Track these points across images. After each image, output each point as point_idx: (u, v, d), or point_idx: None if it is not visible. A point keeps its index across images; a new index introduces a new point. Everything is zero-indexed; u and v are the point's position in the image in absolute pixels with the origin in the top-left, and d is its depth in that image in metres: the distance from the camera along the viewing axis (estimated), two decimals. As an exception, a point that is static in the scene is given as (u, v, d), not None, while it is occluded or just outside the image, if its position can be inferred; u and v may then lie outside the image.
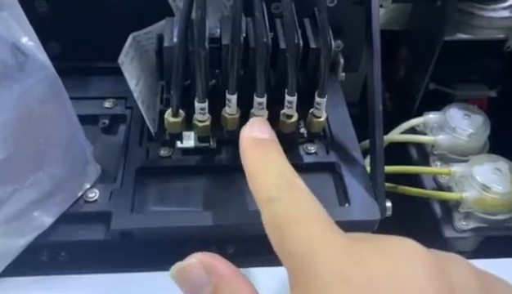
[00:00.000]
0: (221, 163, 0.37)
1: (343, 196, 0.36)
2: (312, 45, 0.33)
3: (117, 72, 0.38)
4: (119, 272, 0.34)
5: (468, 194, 0.42)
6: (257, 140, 0.24)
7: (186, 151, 0.37)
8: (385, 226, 0.36)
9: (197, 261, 0.21)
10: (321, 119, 0.35)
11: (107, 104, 0.41)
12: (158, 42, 0.36)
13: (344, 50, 0.44)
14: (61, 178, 0.32)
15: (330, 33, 0.32)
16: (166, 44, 0.33)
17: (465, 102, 0.50)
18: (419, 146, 0.50)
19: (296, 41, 0.32)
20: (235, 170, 0.38)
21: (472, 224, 0.43)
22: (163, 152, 0.37)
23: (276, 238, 0.20)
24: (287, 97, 0.33)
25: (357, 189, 0.36)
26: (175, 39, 0.32)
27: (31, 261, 0.33)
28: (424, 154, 0.49)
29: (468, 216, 0.43)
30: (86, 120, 0.38)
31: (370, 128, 0.36)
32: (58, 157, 0.31)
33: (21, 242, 0.31)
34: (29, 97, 0.28)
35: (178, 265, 0.21)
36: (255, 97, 0.33)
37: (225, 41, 0.32)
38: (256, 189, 0.22)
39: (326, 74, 0.32)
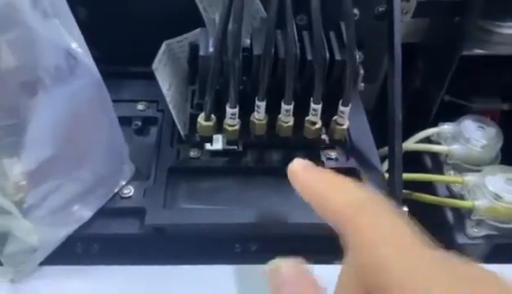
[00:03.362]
0: (247, 165, 0.40)
1: (362, 200, 0.38)
2: (337, 57, 0.35)
3: (148, 76, 0.41)
4: (148, 265, 0.36)
5: (480, 203, 0.44)
6: (307, 164, 0.25)
7: (214, 153, 0.40)
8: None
9: (289, 266, 0.23)
10: (344, 127, 0.37)
11: (140, 106, 0.43)
12: (191, 50, 0.38)
13: (364, 61, 0.46)
14: (101, 175, 0.34)
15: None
16: (202, 53, 0.35)
17: (478, 114, 0.52)
18: (434, 155, 0.52)
19: (323, 53, 0.34)
20: (260, 172, 0.40)
21: (483, 232, 0.44)
22: (193, 153, 0.39)
23: (361, 256, 0.20)
24: (312, 105, 0.35)
25: (375, 194, 0.38)
26: (211, 49, 0.34)
27: (66, 252, 0.35)
28: (437, 163, 0.51)
29: (480, 223, 0.45)
30: (120, 121, 0.40)
31: (389, 137, 0.38)
32: (99, 155, 0.34)
33: (63, 232, 0.33)
34: (78, 99, 0.31)
35: (273, 263, 0.23)
36: (283, 104, 0.35)
37: (256, 51, 0.35)
38: (332, 209, 0.22)
39: (351, 85, 0.34)
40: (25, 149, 0.29)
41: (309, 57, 0.35)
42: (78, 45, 0.31)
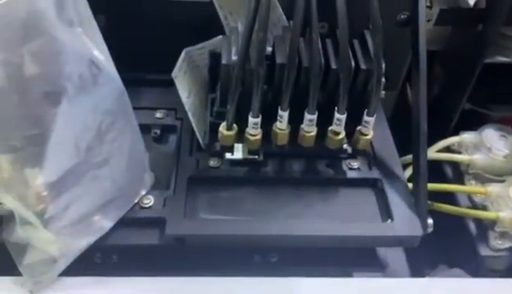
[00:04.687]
0: (267, 175, 0.39)
1: (386, 211, 0.37)
2: (363, 66, 0.34)
3: (166, 84, 0.40)
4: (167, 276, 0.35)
5: (504, 214, 0.43)
6: None
7: (233, 162, 0.39)
8: (421, 243, 0.37)
9: None
10: (368, 137, 0.36)
11: (158, 114, 0.43)
12: (212, 58, 0.38)
13: (385, 69, 0.45)
14: (122, 184, 0.34)
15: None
16: (224, 62, 0.34)
17: (498, 123, 0.51)
18: (454, 165, 0.50)
19: (349, 63, 0.33)
20: (280, 182, 0.39)
21: (508, 244, 0.43)
22: (213, 162, 0.39)
23: None
24: (337, 115, 0.35)
25: (399, 205, 0.37)
26: (234, 57, 0.34)
27: (85, 263, 0.35)
28: (458, 173, 0.50)
29: (504, 235, 0.44)
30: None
31: (413, 147, 0.37)
32: (121, 164, 0.33)
33: (83, 243, 0.33)
34: (100, 108, 0.30)
35: None
36: (306, 114, 0.35)
37: (279, 60, 0.34)
38: None
39: (378, 95, 0.33)
40: (48, 159, 0.28)
41: (333, 66, 0.34)
42: (100, 53, 0.30)
